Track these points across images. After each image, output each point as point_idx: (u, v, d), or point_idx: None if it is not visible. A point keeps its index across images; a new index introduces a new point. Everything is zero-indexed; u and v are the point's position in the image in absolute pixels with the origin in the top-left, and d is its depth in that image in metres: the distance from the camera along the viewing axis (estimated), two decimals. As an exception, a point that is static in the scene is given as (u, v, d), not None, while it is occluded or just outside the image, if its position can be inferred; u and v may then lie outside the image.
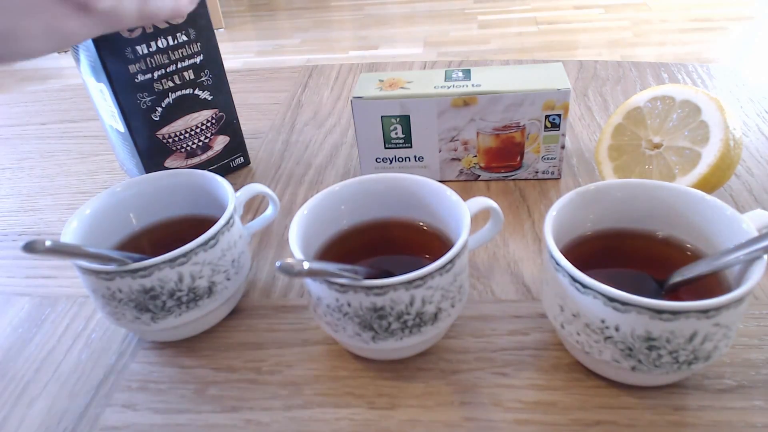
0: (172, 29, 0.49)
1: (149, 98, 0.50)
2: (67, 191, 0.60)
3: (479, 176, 0.54)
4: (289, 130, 0.67)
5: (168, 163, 0.54)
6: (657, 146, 0.48)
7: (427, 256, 0.39)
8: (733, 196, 0.49)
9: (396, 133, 0.53)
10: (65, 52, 2.47)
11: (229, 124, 0.56)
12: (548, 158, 0.52)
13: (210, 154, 0.56)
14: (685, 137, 0.46)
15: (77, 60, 0.50)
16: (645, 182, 0.37)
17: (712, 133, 0.45)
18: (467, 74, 0.53)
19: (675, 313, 0.29)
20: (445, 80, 0.52)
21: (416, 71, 0.54)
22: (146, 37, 0.48)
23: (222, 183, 0.41)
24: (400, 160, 0.54)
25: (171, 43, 0.49)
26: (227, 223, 0.38)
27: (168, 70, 0.50)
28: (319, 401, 0.36)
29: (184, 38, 0.50)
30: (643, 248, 0.38)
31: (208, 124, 0.55)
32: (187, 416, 0.36)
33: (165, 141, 0.53)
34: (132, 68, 0.48)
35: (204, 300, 0.38)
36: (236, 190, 0.42)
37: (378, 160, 0.54)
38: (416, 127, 0.52)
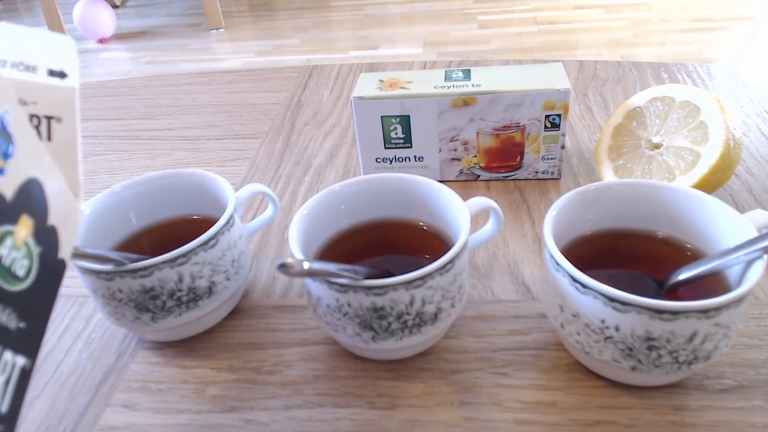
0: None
1: None
2: (67, 191, 0.60)
3: (479, 176, 0.54)
4: (289, 130, 0.67)
5: None
6: (657, 146, 0.48)
7: (427, 256, 0.39)
8: (733, 196, 0.49)
9: (396, 133, 0.53)
10: (65, 52, 2.48)
11: None
12: (548, 158, 0.52)
13: None
14: (685, 137, 0.46)
15: None
16: (645, 182, 0.37)
17: (712, 133, 0.45)
18: (467, 74, 0.53)
19: (675, 313, 0.29)
20: (445, 80, 0.52)
21: (416, 71, 0.54)
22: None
23: (222, 183, 0.41)
24: (400, 160, 0.54)
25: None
26: (227, 223, 0.38)
27: None
28: (319, 401, 0.36)
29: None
30: (643, 248, 0.38)
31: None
32: (187, 416, 0.36)
33: None
34: None
35: (204, 300, 0.38)
36: (236, 190, 0.42)
37: (378, 160, 0.54)
38: (416, 127, 0.52)
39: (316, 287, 0.34)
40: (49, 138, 0.25)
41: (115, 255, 0.35)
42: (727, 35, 1.90)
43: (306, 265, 0.28)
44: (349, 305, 0.33)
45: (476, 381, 0.36)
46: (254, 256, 0.48)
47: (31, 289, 0.22)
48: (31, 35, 0.25)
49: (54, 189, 0.24)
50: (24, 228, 0.21)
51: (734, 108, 0.62)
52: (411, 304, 0.33)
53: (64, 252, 0.24)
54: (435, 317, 0.34)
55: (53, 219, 0.23)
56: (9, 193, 0.21)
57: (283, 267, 0.27)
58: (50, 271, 0.23)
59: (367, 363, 0.38)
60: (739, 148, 0.45)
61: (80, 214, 0.25)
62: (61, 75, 0.26)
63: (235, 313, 0.43)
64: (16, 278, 0.21)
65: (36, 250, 0.22)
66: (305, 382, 0.37)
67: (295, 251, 0.34)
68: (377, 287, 0.32)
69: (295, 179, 0.58)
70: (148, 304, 0.37)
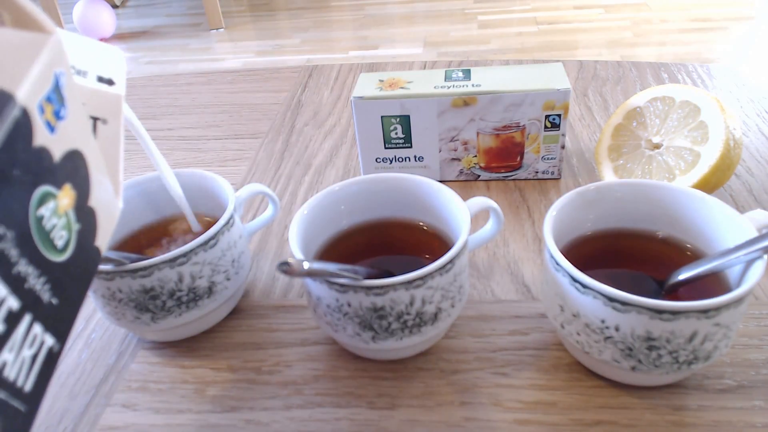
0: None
1: None
2: (67, 191, 0.60)
3: (479, 176, 0.54)
4: (289, 130, 0.67)
5: None
6: (657, 146, 0.48)
7: (427, 256, 0.39)
8: (733, 196, 0.49)
9: (396, 133, 0.53)
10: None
11: None
12: (548, 158, 0.52)
13: None
14: (685, 137, 0.46)
15: None
16: (645, 182, 0.37)
17: (712, 133, 0.45)
18: (467, 74, 0.53)
19: (675, 313, 0.29)
20: (445, 80, 0.52)
21: (416, 71, 0.54)
22: None
23: (222, 183, 0.41)
24: (400, 160, 0.54)
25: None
26: (227, 223, 0.38)
27: None
28: (319, 401, 0.36)
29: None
30: (643, 248, 0.38)
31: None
32: (187, 416, 0.36)
33: None
34: None
35: (204, 300, 0.38)
36: (236, 190, 0.42)
37: (378, 160, 0.54)
38: (416, 127, 0.52)
39: (316, 287, 0.34)
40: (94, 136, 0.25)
41: (115, 255, 0.35)
42: (727, 35, 1.90)
43: (306, 265, 0.28)
44: (349, 305, 0.33)
45: (476, 381, 0.36)
46: (254, 256, 0.48)
47: (67, 265, 0.21)
48: (85, 44, 0.27)
49: (96, 172, 0.23)
50: (67, 197, 0.21)
51: (734, 108, 0.62)
52: (411, 304, 0.33)
53: (101, 241, 0.23)
54: (435, 317, 0.34)
55: (94, 201, 0.23)
56: (57, 154, 0.20)
57: (283, 267, 0.27)
58: (86, 256, 0.22)
59: (367, 363, 0.38)
60: (739, 148, 0.45)
61: (118, 211, 0.25)
62: (110, 82, 0.27)
63: (235, 313, 0.43)
64: (54, 248, 0.20)
65: (75, 227, 0.21)
66: (305, 382, 0.37)
67: (295, 251, 0.34)
68: (377, 287, 0.32)
69: (295, 179, 0.58)
70: (148, 304, 0.37)
